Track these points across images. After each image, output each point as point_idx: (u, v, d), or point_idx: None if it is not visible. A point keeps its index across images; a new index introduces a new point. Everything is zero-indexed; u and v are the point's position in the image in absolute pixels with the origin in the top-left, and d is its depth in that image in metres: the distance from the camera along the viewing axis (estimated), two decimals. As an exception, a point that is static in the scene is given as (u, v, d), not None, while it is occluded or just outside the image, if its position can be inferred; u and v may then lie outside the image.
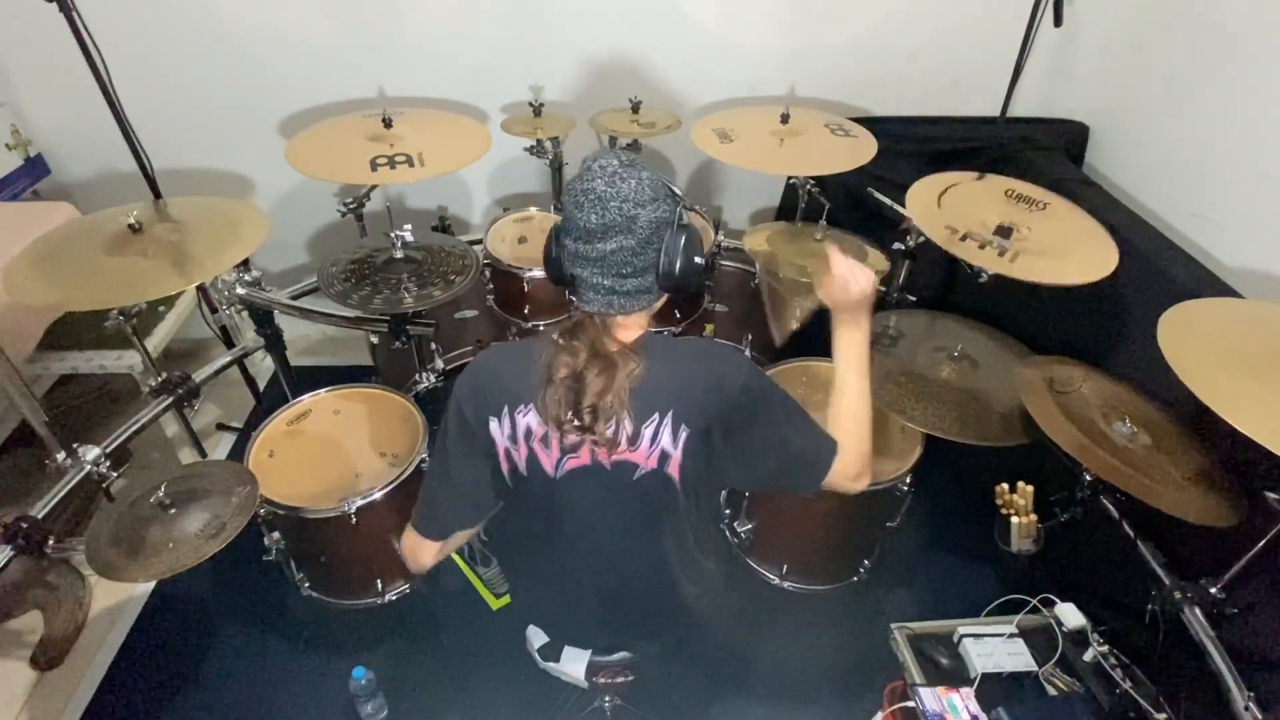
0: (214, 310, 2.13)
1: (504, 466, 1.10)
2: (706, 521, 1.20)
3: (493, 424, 1.06)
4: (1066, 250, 1.50)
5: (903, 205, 1.65)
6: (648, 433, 1.02)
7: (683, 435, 1.03)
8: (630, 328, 1.07)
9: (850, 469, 1.08)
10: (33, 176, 2.27)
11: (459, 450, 1.10)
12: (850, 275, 1.10)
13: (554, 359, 1.03)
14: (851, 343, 1.13)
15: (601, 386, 1.00)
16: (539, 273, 1.94)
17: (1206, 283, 1.57)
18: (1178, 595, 1.25)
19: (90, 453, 1.57)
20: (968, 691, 1.26)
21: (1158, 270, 1.62)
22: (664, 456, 1.04)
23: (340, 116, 1.99)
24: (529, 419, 1.04)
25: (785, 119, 1.96)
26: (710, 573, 1.25)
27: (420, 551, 1.18)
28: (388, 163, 1.73)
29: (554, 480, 1.07)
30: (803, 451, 1.08)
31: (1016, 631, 1.36)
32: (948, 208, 1.62)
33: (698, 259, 1.02)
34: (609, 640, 1.28)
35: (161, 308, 2.25)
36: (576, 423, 1.01)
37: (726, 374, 1.03)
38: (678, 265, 1.01)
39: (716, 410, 1.03)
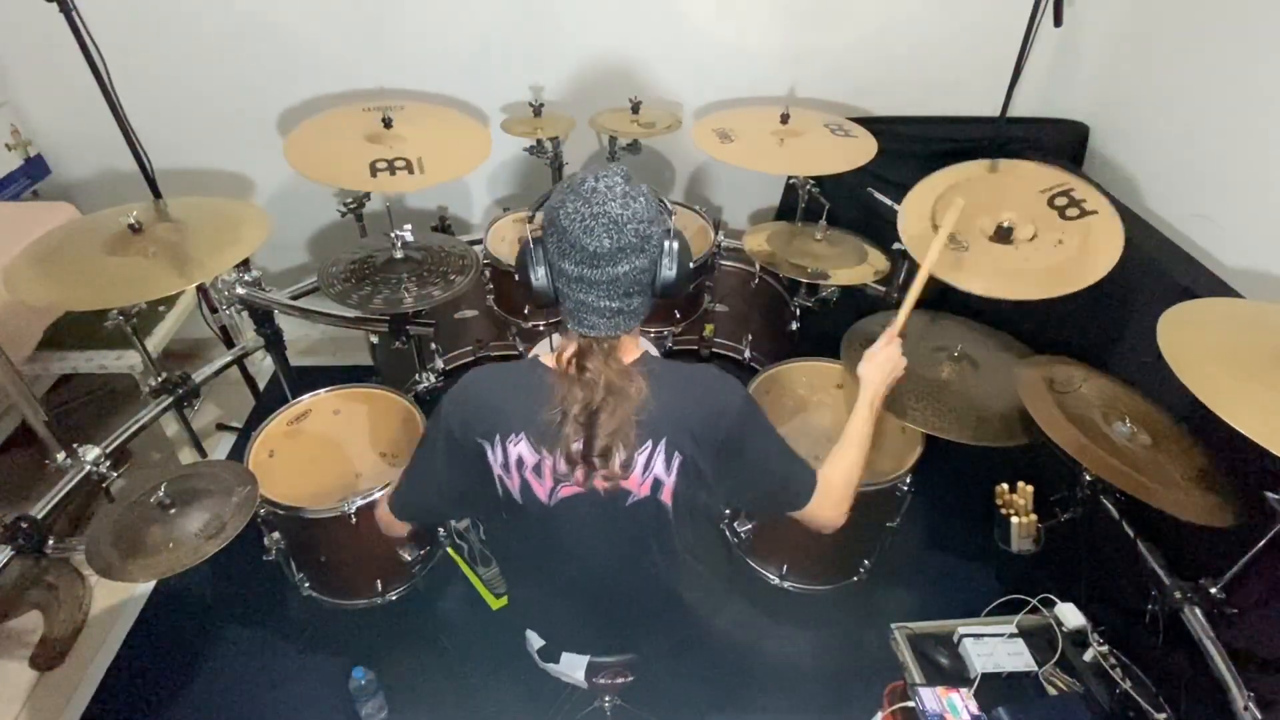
0: (214, 310, 2.13)
1: (498, 491, 1.08)
2: (701, 530, 1.19)
3: (486, 448, 1.04)
4: (1069, 252, 1.49)
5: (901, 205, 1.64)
6: (640, 460, 1.02)
7: (675, 462, 1.02)
8: (630, 346, 1.06)
9: (827, 505, 1.14)
10: (33, 176, 2.27)
11: (444, 458, 1.10)
12: (900, 363, 1.32)
13: (568, 393, 1.00)
14: (868, 426, 1.24)
15: (616, 425, 0.98)
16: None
17: (1206, 283, 1.57)
18: (1178, 595, 1.25)
19: (90, 453, 1.57)
20: (968, 691, 1.25)
21: (1158, 270, 1.62)
22: (657, 484, 1.04)
23: (340, 108, 1.98)
24: (520, 449, 1.03)
25: (785, 119, 1.96)
26: (708, 575, 1.25)
27: (393, 525, 1.23)
28: (387, 168, 1.73)
29: (548, 507, 1.07)
30: (785, 483, 1.12)
31: (1016, 631, 1.36)
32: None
33: (691, 264, 1.03)
34: (607, 647, 1.28)
35: (161, 308, 2.25)
36: (587, 462, 1.00)
37: (721, 403, 1.04)
38: (675, 273, 1.00)
39: (709, 438, 1.02)
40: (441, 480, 1.12)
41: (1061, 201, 1.56)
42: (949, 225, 1.44)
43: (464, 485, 1.11)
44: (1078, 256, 1.45)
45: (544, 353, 1.09)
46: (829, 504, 1.13)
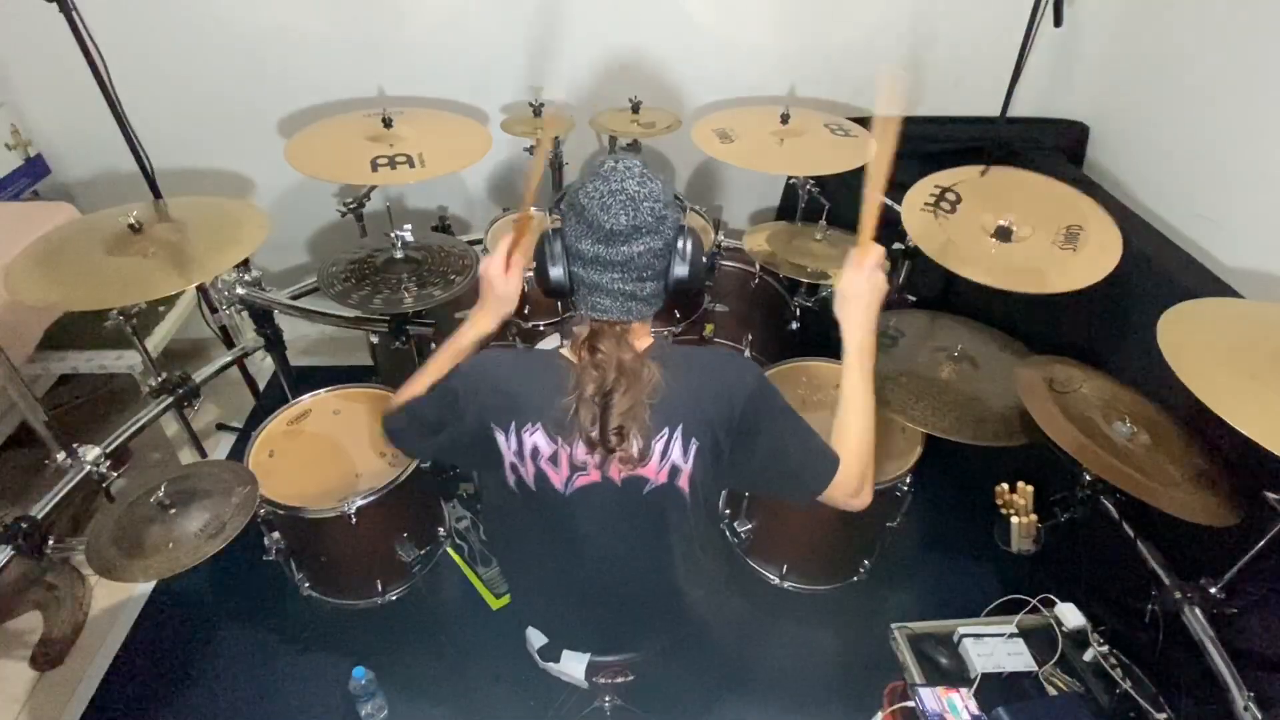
0: (214, 310, 2.12)
1: (509, 478, 1.08)
2: (710, 522, 1.20)
3: (499, 435, 1.04)
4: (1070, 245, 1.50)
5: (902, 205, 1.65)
6: (658, 447, 1.02)
7: (693, 448, 1.02)
8: (642, 334, 1.06)
9: (850, 484, 1.08)
10: (33, 176, 2.27)
11: (437, 416, 1.11)
12: (879, 278, 1.12)
13: (581, 375, 1.01)
14: (865, 377, 1.11)
15: (628, 405, 0.98)
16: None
17: (1206, 283, 1.57)
18: (1178, 595, 1.25)
19: (90, 453, 1.56)
20: (967, 691, 1.25)
21: (1158, 270, 1.62)
22: (674, 470, 1.04)
23: (340, 116, 1.99)
24: (536, 438, 1.03)
25: (785, 119, 1.96)
26: (712, 571, 1.26)
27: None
28: (388, 163, 1.73)
29: (564, 497, 1.07)
30: (802, 465, 1.08)
31: (1016, 631, 1.36)
32: (944, 214, 1.61)
33: (704, 261, 1.03)
34: (609, 644, 1.28)
35: (161, 308, 2.25)
36: (604, 443, 1.00)
37: (735, 384, 1.03)
38: (688, 269, 1.01)
39: (724, 421, 1.02)
40: (434, 431, 1.13)
41: (945, 206, 1.61)
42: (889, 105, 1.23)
43: (453, 444, 1.12)
44: (1070, 263, 1.45)
45: (562, 345, 1.09)
46: (850, 481, 1.08)
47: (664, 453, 1.02)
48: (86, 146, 2.29)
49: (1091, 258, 1.46)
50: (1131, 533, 1.39)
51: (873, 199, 1.12)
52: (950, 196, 1.63)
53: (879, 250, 1.13)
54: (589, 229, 0.97)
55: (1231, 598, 1.22)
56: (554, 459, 1.04)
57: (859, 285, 1.12)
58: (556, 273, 1.02)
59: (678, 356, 1.06)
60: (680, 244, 1.01)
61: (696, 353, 1.10)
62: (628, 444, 1.00)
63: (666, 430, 1.01)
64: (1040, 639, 1.35)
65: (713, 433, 1.02)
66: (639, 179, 0.96)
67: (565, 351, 1.07)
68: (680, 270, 1.01)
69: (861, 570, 1.76)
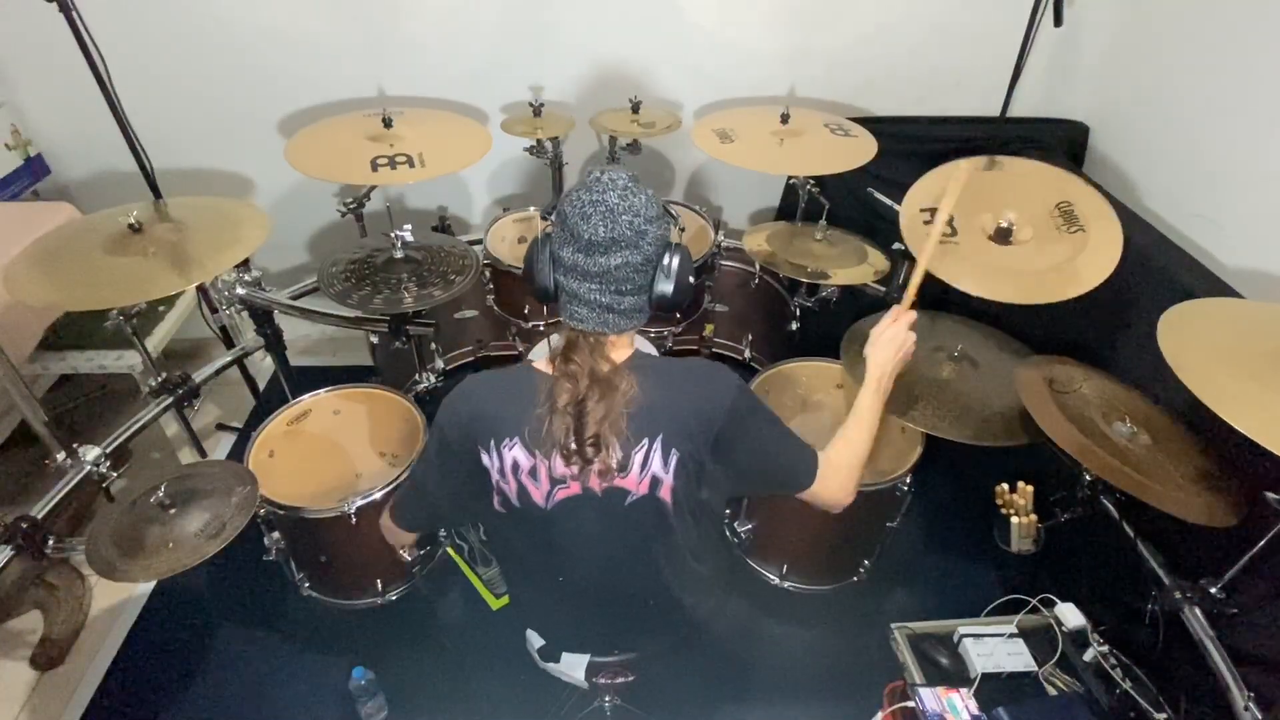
0: (214, 310, 2.13)
1: (495, 496, 1.09)
2: (704, 530, 1.19)
3: (484, 456, 1.05)
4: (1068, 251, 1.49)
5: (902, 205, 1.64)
6: (638, 458, 1.02)
7: (673, 459, 1.02)
8: (621, 346, 1.06)
9: (831, 488, 1.14)
10: (33, 176, 2.27)
11: (439, 467, 1.12)
12: (909, 339, 1.30)
13: (554, 386, 1.01)
14: (874, 405, 1.25)
15: (603, 414, 0.99)
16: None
17: (1206, 283, 1.57)
18: (1178, 595, 1.25)
19: (90, 453, 1.57)
20: (968, 691, 1.26)
21: (1158, 270, 1.62)
22: (655, 481, 1.04)
23: (340, 116, 1.99)
24: (515, 453, 1.03)
25: (785, 119, 1.96)
26: (708, 579, 1.25)
27: (398, 534, 1.31)
28: (388, 163, 1.73)
29: (546, 511, 1.07)
30: (786, 467, 1.13)
31: (1016, 631, 1.36)
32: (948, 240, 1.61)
33: (691, 280, 1.04)
34: (607, 647, 1.28)
35: (161, 308, 2.25)
36: (580, 453, 1.00)
37: (715, 395, 1.04)
38: (673, 286, 1.01)
39: (705, 432, 1.03)
40: (439, 488, 1.15)
41: (1065, 213, 1.57)
42: (954, 195, 1.42)
43: (462, 491, 1.12)
44: (1073, 263, 1.45)
45: (538, 357, 1.10)
46: (834, 485, 1.14)
47: (644, 464, 1.02)
48: (86, 146, 2.29)
49: (1096, 240, 1.46)
50: (1131, 533, 1.39)
51: (921, 270, 1.37)
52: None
53: (914, 315, 1.33)
54: (570, 237, 0.98)
55: (1231, 598, 1.22)
56: (533, 473, 1.04)
57: (896, 331, 1.30)
58: (541, 275, 1.03)
59: (658, 367, 1.07)
60: (666, 260, 1.01)
61: (676, 364, 1.10)
62: (605, 455, 1.00)
63: (646, 441, 1.01)
64: (1040, 639, 1.35)
65: (693, 444, 1.02)
66: (621, 192, 0.96)
67: (539, 365, 1.08)
68: (664, 287, 1.02)
69: (861, 570, 1.76)
